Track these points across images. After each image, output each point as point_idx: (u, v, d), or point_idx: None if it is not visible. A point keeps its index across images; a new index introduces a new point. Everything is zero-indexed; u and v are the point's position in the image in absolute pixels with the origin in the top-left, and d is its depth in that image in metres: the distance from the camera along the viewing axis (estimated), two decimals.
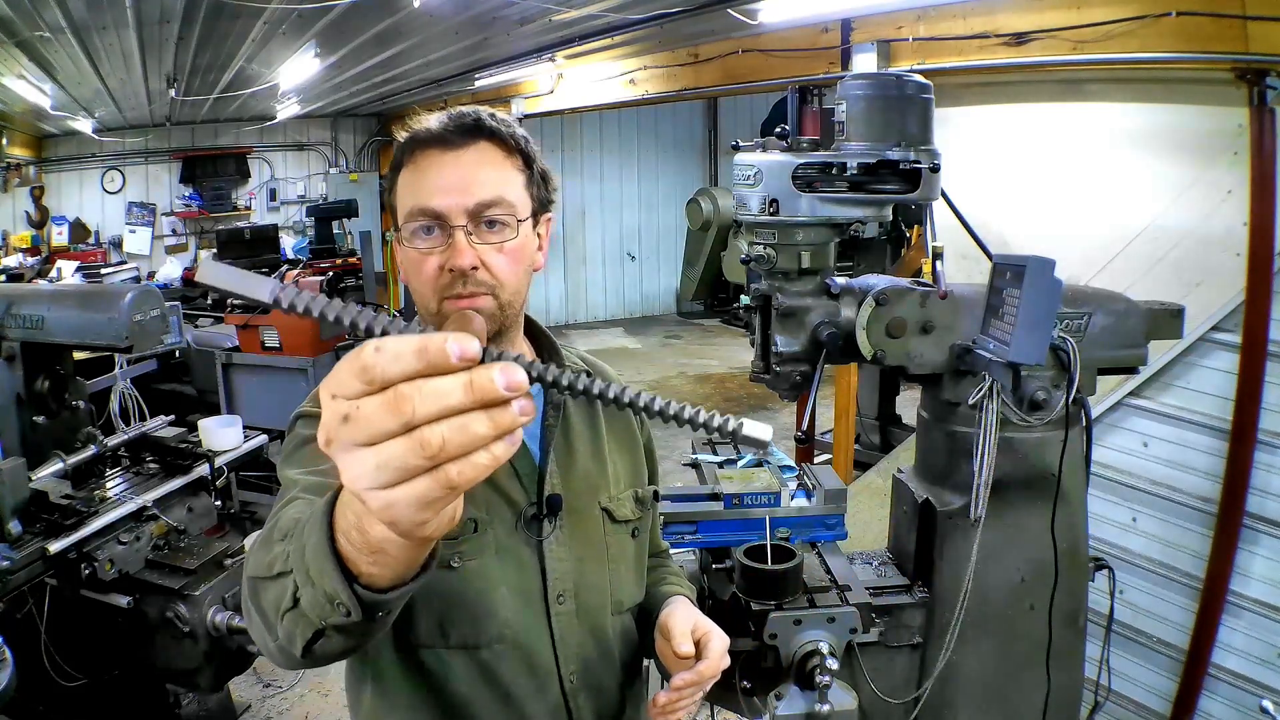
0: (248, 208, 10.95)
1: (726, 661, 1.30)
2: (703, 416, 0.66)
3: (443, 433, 0.54)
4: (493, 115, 1.22)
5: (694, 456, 2.43)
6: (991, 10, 3.41)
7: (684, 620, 1.30)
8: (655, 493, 1.46)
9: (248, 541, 3.23)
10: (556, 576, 1.27)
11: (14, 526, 2.51)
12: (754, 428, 0.65)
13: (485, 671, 1.22)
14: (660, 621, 1.33)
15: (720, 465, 2.31)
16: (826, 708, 1.71)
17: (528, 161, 1.24)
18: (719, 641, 1.29)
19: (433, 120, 1.22)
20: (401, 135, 1.24)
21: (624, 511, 1.37)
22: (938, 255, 1.79)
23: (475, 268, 1.16)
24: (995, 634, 1.91)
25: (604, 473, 1.37)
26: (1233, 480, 2.88)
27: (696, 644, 1.28)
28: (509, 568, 1.24)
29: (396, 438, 0.55)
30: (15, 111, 7.62)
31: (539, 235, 1.28)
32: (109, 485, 3.01)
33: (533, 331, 1.39)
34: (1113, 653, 2.10)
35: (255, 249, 8.38)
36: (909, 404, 5.51)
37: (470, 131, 1.19)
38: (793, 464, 2.32)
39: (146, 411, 3.67)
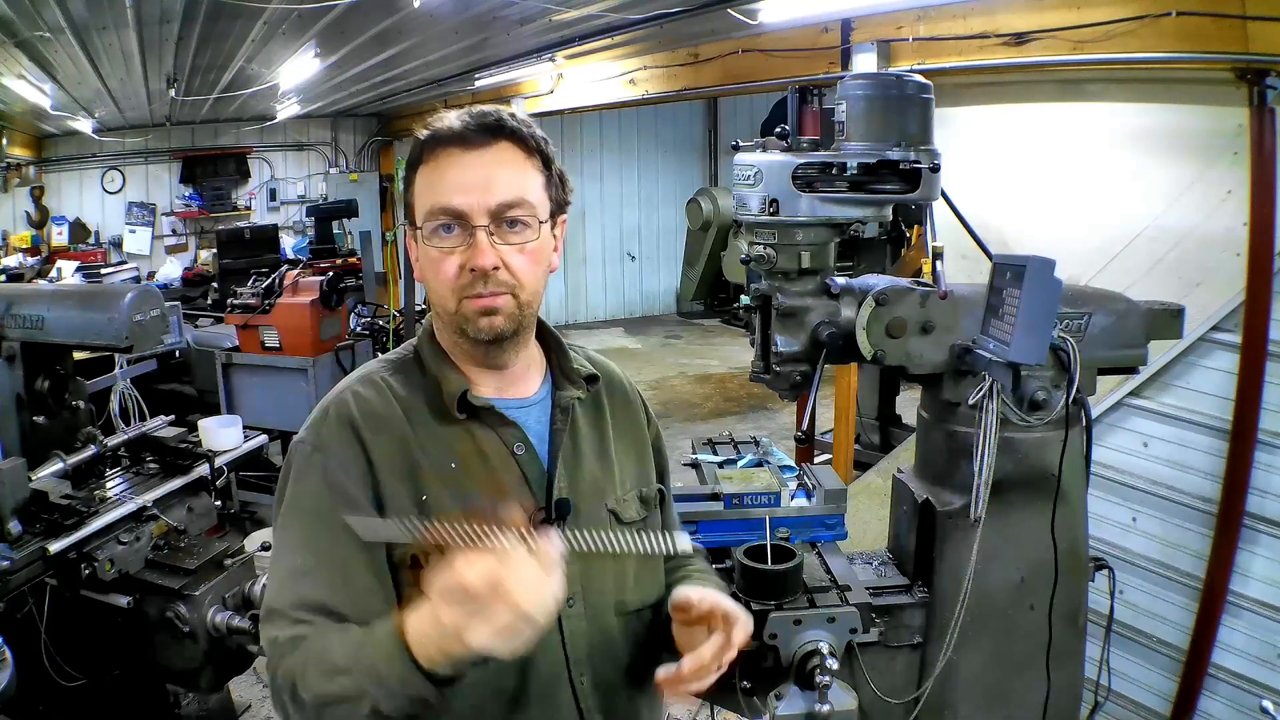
0: (248, 208, 10.95)
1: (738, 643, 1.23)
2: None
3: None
4: (513, 115, 1.22)
5: (694, 456, 2.43)
6: (991, 10, 3.41)
7: (700, 591, 1.24)
8: (660, 491, 1.45)
9: (248, 543, 3.23)
10: (566, 579, 1.27)
11: (14, 526, 2.50)
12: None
13: (494, 679, 1.21)
14: (675, 597, 1.26)
15: (720, 465, 2.31)
16: (826, 708, 1.71)
17: (547, 162, 1.24)
18: (743, 613, 1.23)
19: (453, 118, 1.20)
20: (421, 132, 1.22)
21: (630, 513, 1.37)
22: (938, 255, 1.79)
23: (496, 268, 1.17)
24: (995, 634, 1.91)
25: (610, 475, 1.36)
26: (1233, 480, 2.88)
27: (722, 616, 1.21)
28: None
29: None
30: (15, 111, 7.62)
31: (555, 236, 1.28)
32: (109, 485, 3.01)
33: (542, 333, 1.39)
34: (1113, 653, 2.09)
35: (255, 249, 8.36)
36: (909, 404, 5.51)
37: (492, 131, 1.19)
38: (793, 464, 2.32)
39: (146, 411, 3.66)
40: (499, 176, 1.18)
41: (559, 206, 1.27)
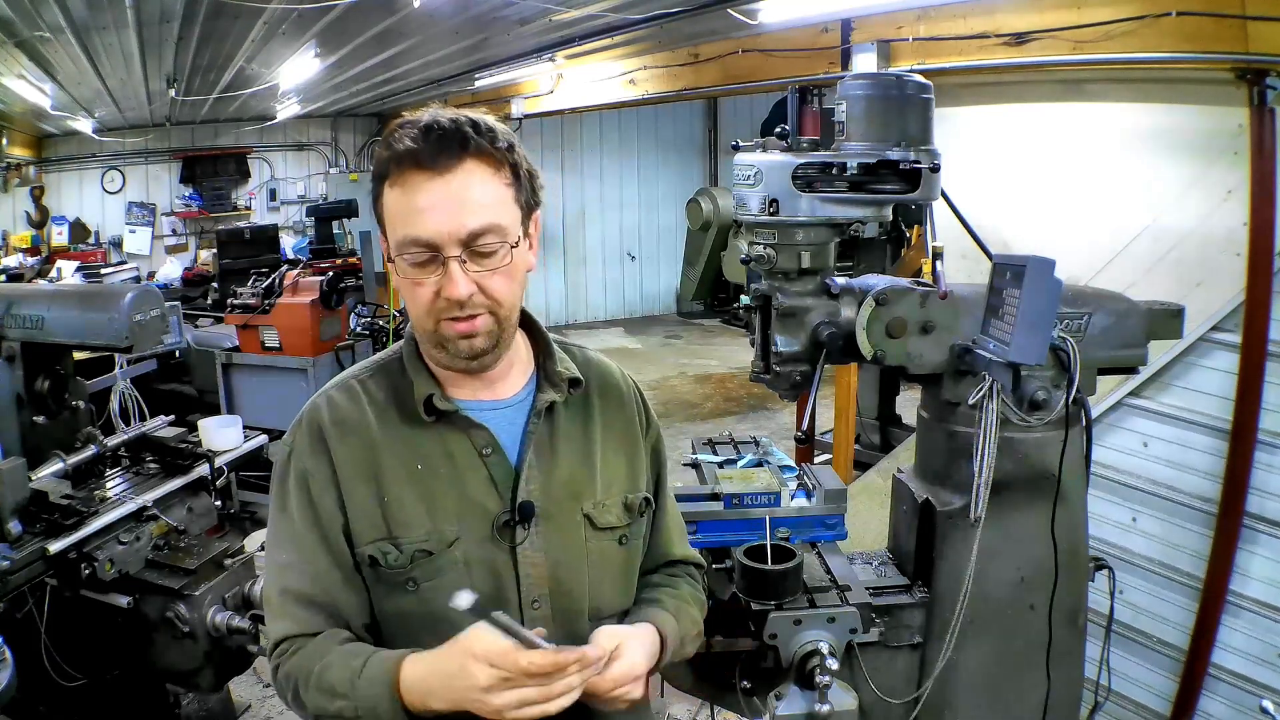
0: (248, 208, 10.95)
1: (628, 678, 1.21)
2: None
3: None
4: (475, 126, 1.17)
5: (694, 456, 2.43)
6: (991, 10, 3.41)
7: (608, 637, 1.23)
8: (646, 499, 1.42)
9: (248, 542, 3.23)
10: (531, 581, 1.27)
11: (14, 526, 2.50)
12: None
13: None
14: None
15: (720, 465, 2.31)
16: (826, 708, 1.71)
17: (515, 171, 1.21)
18: (630, 654, 1.22)
19: (416, 134, 1.16)
20: (384, 149, 1.18)
21: (608, 519, 1.35)
22: (938, 255, 1.79)
23: (472, 294, 1.18)
24: (995, 634, 1.91)
25: (591, 478, 1.35)
26: (1233, 480, 2.87)
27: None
28: (482, 576, 1.25)
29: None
30: (15, 111, 7.62)
31: (529, 235, 1.26)
32: (109, 485, 3.00)
33: (533, 333, 1.39)
34: (1113, 653, 2.09)
35: (255, 249, 8.36)
36: (909, 404, 5.50)
37: (456, 150, 1.15)
38: (793, 464, 2.32)
39: (146, 411, 3.67)
40: (468, 202, 1.16)
41: (530, 208, 1.25)
